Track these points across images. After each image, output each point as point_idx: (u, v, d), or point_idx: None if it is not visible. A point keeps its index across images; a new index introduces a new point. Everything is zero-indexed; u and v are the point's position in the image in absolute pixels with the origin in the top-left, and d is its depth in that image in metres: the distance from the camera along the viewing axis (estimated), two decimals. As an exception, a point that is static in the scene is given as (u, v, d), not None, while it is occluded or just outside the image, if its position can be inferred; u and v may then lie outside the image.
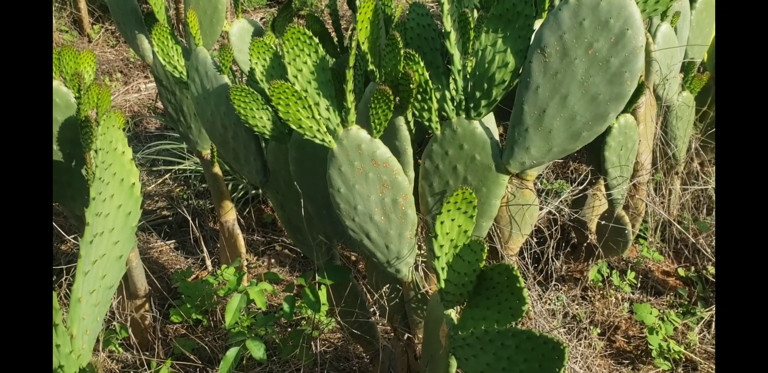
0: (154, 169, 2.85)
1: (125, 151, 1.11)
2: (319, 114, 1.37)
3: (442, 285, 1.25)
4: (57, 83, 1.87)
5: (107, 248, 1.07)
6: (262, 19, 4.41)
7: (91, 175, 1.85)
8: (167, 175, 2.78)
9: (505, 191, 1.39)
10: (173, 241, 2.58)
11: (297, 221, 1.77)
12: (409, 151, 1.48)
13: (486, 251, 1.12)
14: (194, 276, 2.38)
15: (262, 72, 1.59)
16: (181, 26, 4.34)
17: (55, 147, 1.93)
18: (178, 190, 2.81)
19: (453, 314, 1.27)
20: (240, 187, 2.65)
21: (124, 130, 2.83)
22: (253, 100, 1.60)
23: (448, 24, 1.30)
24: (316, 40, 1.38)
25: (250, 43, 1.55)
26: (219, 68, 1.77)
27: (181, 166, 2.74)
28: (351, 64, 1.33)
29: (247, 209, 2.63)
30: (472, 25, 1.55)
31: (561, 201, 1.85)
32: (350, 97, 1.36)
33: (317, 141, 1.38)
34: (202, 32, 2.12)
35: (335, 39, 2.10)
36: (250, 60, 1.59)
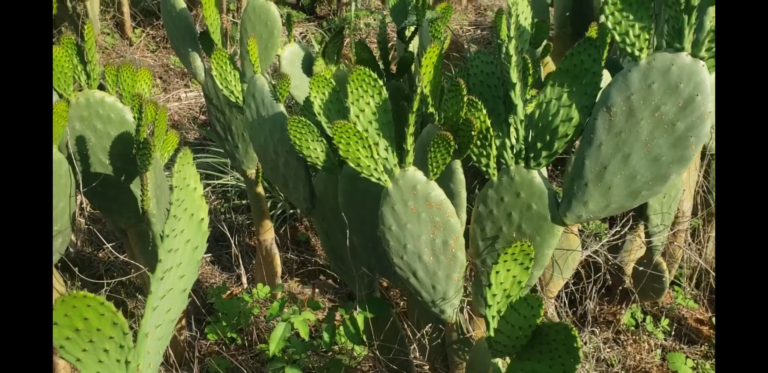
0: (194, 182, 2.89)
1: (197, 187, 1.14)
2: (378, 154, 1.39)
3: (492, 334, 1.26)
4: (113, 99, 1.92)
5: (174, 283, 1.10)
6: (301, 33, 4.46)
7: (142, 206, 1.88)
8: (207, 189, 2.82)
9: (558, 241, 1.41)
10: (209, 254, 2.61)
11: (341, 251, 1.79)
12: (463, 194, 1.51)
13: (543, 306, 1.14)
14: (229, 292, 2.41)
15: (320, 105, 1.63)
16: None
17: (106, 161, 1.98)
18: (216, 203, 2.85)
19: (500, 363, 1.28)
20: (278, 205, 2.68)
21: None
22: (309, 132, 1.63)
23: (514, 75, 1.33)
24: (381, 82, 1.41)
25: (310, 80, 1.59)
26: (275, 96, 1.80)
27: (221, 181, 2.79)
28: (414, 108, 1.36)
29: (284, 228, 2.66)
30: (531, 71, 1.57)
31: (600, 245, 1.86)
32: (410, 140, 1.39)
33: (373, 179, 1.40)
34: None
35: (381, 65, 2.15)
36: (309, 94, 1.62)
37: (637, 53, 1.19)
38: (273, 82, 2.36)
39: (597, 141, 1.26)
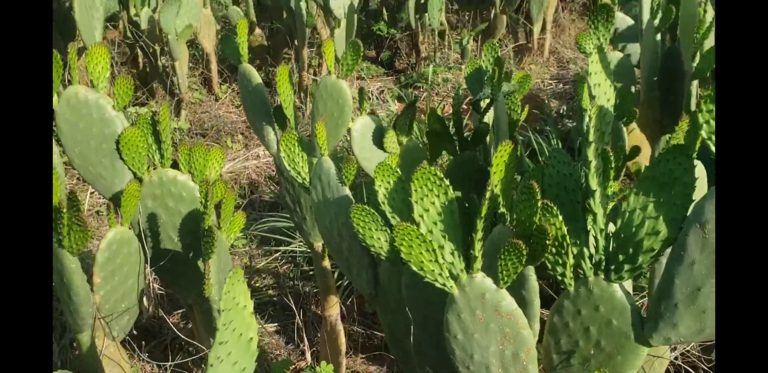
0: (265, 248, 2.89)
1: (246, 305, 1.09)
2: (443, 258, 1.30)
3: None
4: (185, 178, 1.94)
5: (219, 409, 1.04)
6: (378, 88, 4.47)
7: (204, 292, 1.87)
8: (277, 254, 2.81)
9: (642, 362, 1.26)
10: (276, 324, 2.57)
11: (404, 344, 1.69)
12: (536, 302, 1.39)
13: None
14: (293, 367, 2.35)
15: (384, 194, 1.56)
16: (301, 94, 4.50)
17: (175, 238, 1.99)
18: (285, 268, 2.83)
19: None
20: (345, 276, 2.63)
21: (242, 197, 2.88)
22: (373, 221, 1.57)
23: (594, 182, 1.21)
24: (447, 181, 1.33)
25: (375, 168, 1.53)
26: (341, 179, 1.76)
27: (290, 247, 2.76)
28: (483, 213, 1.27)
29: (350, 299, 2.59)
30: (612, 165, 1.45)
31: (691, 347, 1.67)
32: (478, 245, 1.29)
33: (438, 285, 1.31)
34: (327, 133, 2.13)
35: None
36: (373, 182, 1.56)
37: (735, 166, 1.05)
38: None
39: (689, 259, 1.12)
